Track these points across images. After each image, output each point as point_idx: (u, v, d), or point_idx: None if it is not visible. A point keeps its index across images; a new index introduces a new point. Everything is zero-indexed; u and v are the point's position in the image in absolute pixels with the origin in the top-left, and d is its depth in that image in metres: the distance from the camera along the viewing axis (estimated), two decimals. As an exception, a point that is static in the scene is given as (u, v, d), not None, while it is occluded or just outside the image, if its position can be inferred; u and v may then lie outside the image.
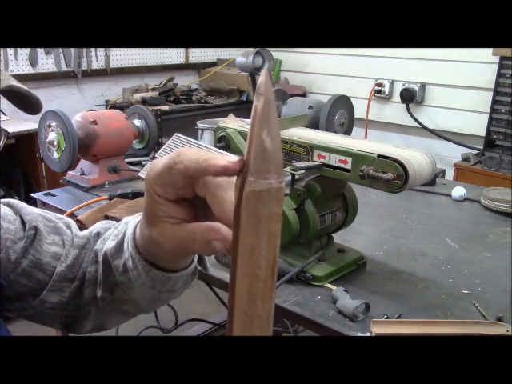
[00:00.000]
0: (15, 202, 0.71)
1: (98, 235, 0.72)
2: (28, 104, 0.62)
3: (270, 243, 0.40)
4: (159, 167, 0.46)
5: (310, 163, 1.12)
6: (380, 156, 1.02)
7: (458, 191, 1.76)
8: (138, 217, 0.62)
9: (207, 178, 0.45)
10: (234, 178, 0.42)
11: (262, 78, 0.38)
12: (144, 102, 3.23)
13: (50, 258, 0.68)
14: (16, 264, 0.66)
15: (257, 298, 0.40)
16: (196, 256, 0.62)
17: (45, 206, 1.70)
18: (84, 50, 3.37)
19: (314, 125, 1.91)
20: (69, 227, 0.72)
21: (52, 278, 0.68)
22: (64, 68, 3.32)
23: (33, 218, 0.69)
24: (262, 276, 0.40)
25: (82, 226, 1.39)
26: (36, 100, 0.61)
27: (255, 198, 0.38)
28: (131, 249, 0.57)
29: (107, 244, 0.65)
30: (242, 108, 3.63)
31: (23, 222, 0.68)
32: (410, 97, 3.34)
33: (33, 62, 3.18)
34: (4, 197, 2.95)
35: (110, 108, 3.32)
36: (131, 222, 0.61)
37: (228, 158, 0.41)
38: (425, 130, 3.37)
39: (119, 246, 0.62)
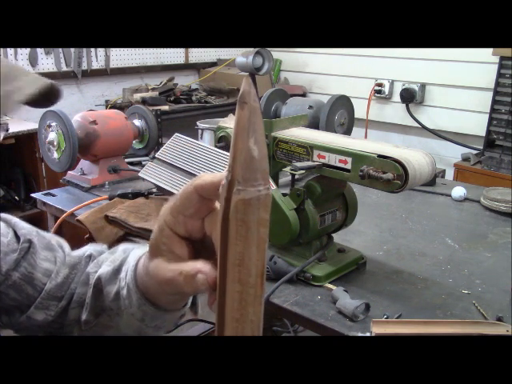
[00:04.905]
0: (8, 216, 0.71)
1: (90, 257, 0.72)
2: (51, 95, 0.59)
3: (260, 249, 0.40)
4: (178, 193, 0.49)
5: (310, 163, 1.12)
6: (380, 156, 1.02)
7: (458, 191, 1.76)
8: (140, 248, 0.63)
9: (216, 214, 0.46)
10: None
11: (244, 86, 0.37)
12: (144, 102, 3.23)
13: (42, 273, 0.68)
14: (6, 276, 0.66)
15: (248, 304, 0.41)
16: (190, 299, 0.62)
17: (45, 205, 1.70)
18: (84, 49, 3.37)
19: (314, 125, 1.91)
20: (61, 246, 0.73)
21: (40, 294, 0.68)
22: (64, 68, 3.32)
23: (27, 231, 0.69)
24: (252, 282, 0.40)
25: (82, 226, 1.39)
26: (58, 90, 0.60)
27: (245, 207, 0.39)
28: (129, 279, 0.58)
29: (102, 269, 0.65)
30: (242, 108, 3.62)
31: (17, 236, 0.68)
32: (410, 97, 3.34)
33: (33, 61, 3.18)
34: (4, 197, 2.95)
35: (110, 108, 3.31)
36: (133, 253, 0.62)
37: None
38: (425, 130, 3.36)
39: (115, 273, 0.62)
